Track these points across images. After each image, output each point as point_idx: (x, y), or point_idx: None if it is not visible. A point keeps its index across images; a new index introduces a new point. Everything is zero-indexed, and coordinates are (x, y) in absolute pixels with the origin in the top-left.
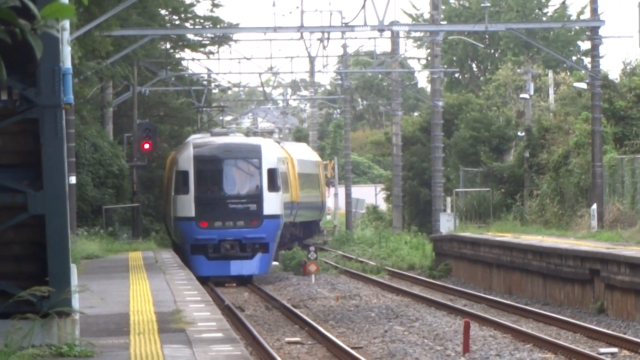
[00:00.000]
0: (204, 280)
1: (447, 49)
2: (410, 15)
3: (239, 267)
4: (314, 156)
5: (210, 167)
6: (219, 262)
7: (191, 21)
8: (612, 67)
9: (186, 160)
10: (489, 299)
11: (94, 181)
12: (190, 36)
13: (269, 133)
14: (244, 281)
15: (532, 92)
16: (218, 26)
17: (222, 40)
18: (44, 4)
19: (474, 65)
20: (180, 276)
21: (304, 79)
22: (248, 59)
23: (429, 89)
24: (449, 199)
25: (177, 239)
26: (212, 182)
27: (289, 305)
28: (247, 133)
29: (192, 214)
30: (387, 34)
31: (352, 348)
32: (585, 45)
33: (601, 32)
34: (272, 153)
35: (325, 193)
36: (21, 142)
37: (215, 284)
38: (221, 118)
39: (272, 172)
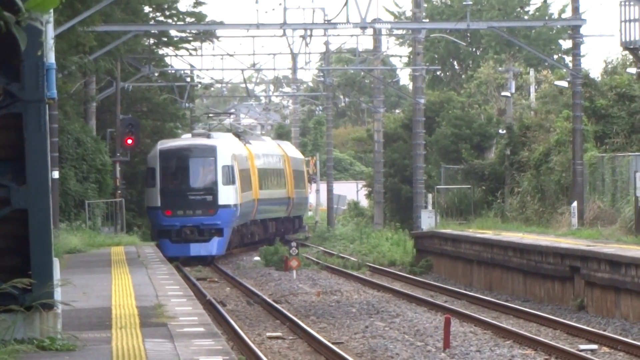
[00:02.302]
0: (170, 260)
1: (429, 46)
2: (392, 13)
3: (197, 249)
4: (276, 150)
5: (173, 164)
6: (181, 245)
7: (174, 18)
8: (593, 65)
9: (153, 158)
10: (470, 296)
11: (77, 176)
12: (174, 33)
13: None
14: (204, 261)
15: (513, 90)
16: (201, 23)
17: (205, 36)
18: None
19: (455, 63)
20: (162, 271)
21: (286, 75)
22: (231, 55)
23: (410, 87)
24: (430, 196)
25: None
26: (174, 177)
27: (270, 301)
28: (238, 133)
29: (158, 203)
30: (370, 31)
31: (333, 343)
32: (566, 43)
33: (582, 30)
34: (227, 152)
35: (292, 189)
36: (4, 136)
37: (197, 278)
38: (205, 115)
39: (226, 169)
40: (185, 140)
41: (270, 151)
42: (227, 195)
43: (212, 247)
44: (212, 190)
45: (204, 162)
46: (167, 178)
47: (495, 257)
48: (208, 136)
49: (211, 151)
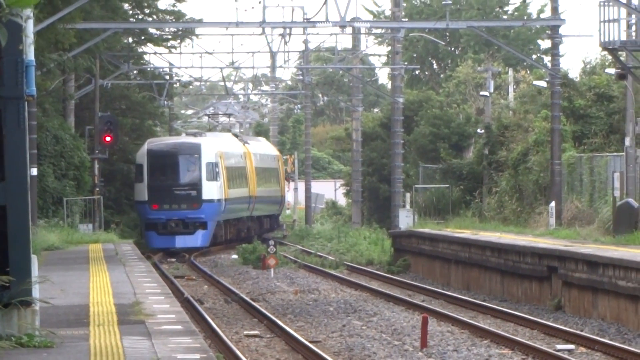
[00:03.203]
0: (155, 251)
1: (407, 46)
2: (371, 12)
3: (182, 241)
4: (271, 151)
5: (160, 161)
6: (167, 237)
7: (154, 16)
8: (572, 65)
9: (141, 156)
10: (447, 295)
11: (55, 173)
12: (153, 30)
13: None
14: (188, 252)
15: (492, 90)
16: (180, 21)
17: (184, 34)
18: None
19: (434, 63)
20: (140, 268)
21: (265, 74)
22: (210, 53)
23: (389, 86)
24: (408, 195)
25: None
26: (161, 173)
27: (248, 299)
28: (236, 134)
29: (146, 198)
30: (349, 30)
31: (311, 342)
32: (545, 43)
33: (561, 30)
34: (212, 150)
35: (254, 187)
36: None
37: (174, 276)
38: (182, 111)
39: (210, 165)
40: (172, 138)
41: (265, 151)
42: (211, 190)
43: (197, 239)
44: (196, 185)
45: (189, 159)
46: (154, 174)
47: (472, 256)
48: (195, 135)
49: (196, 149)
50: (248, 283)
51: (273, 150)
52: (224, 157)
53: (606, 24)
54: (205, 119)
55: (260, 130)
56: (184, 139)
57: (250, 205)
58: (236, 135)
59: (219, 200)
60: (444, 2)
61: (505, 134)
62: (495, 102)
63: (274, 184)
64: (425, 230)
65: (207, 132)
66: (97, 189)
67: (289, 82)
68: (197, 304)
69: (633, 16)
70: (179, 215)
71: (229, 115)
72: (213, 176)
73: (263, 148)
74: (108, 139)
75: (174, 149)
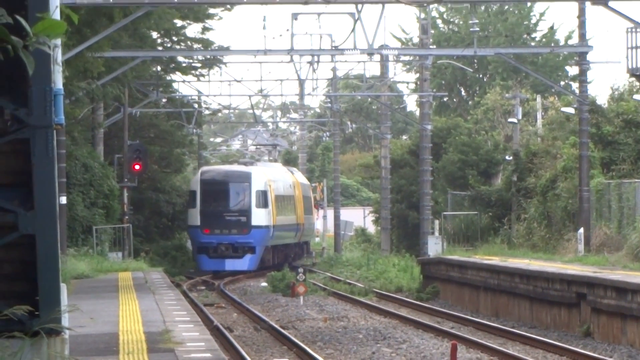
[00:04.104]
0: (206, 272)
1: (436, 73)
2: (399, 39)
3: (232, 264)
4: (304, 180)
5: (213, 188)
6: (217, 260)
7: (182, 44)
8: (600, 92)
9: (195, 182)
10: (476, 322)
11: (85, 201)
12: (181, 58)
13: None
14: (237, 274)
15: (520, 117)
16: (209, 49)
17: (212, 62)
18: (35, 21)
19: (462, 90)
20: (169, 296)
21: (293, 101)
22: (238, 81)
23: (417, 113)
24: (437, 222)
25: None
26: (213, 199)
27: (277, 326)
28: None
29: (198, 222)
30: (377, 57)
31: None
32: (573, 70)
33: (589, 57)
34: (261, 178)
35: (302, 214)
36: (12, 161)
37: (204, 304)
38: (211, 139)
39: (259, 193)
40: (225, 167)
41: (303, 180)
42: (260, 217)
43: (245, 263)
44: (246, 212)
45: (240, 187)
46: (207, 200)
47: (501, 283)
48: (246, 164)
49: (246, 177)
50: (277, 310)
51: (304, 180)
52: (273, 185)
53: (633, 50)
54: (234, 147)
55: (289, 158)
56: (235, 167)
57: (297, 232)
58: (286, 165)
59: (267, 226)
60: (471, 30)
61: (533, 161)
62: (524, 129)
63: (308, 212)
64: (454, 257)
65: (258, 161)
66: (127, 217)
67: (318, 110)
68: (226, 332)
69: None
70: (229, 239)
71: (275, 146)
72: (262, 203)
73: (302, 178)
74: (137, 167)
75: (226, 177)
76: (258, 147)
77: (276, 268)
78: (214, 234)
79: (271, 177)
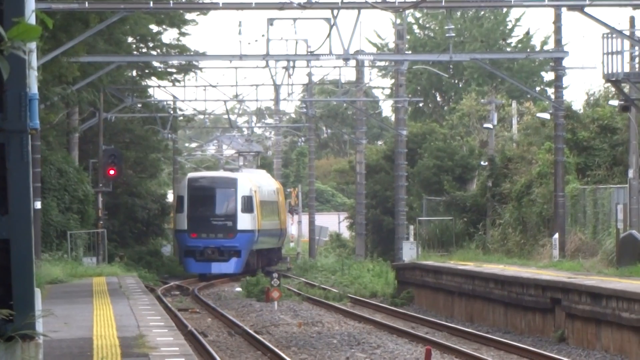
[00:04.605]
0: (194, 276)
1: (411, 78)
2: (375, 45)
3: (218, 267)
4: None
5: (200, 193)
6: (204, 263)
7: (158, 49)
8: (575, 97)
9: (182, 188)
10: (451, 327)
11: (59, 206)
12: (157, 64)
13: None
14: (224, 276)
15: (495, 122)
16: (184, 54)
17: (188, 68)
18: (10, 26)
19: (438, 95)
20: (143, 301)
21: (269, 106)
22: (214, 86)
23: (393, 118)
24: (411, 227)
25: (176, 246)
26: (200, 204)
27: (251, 331)
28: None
29: (185, 227)
30: (352, 62)
31: None
32: (548, 75)
33: (565, 63)
34: (247, 184)
35: (285, 219)
36: None
37: (178, 309)
38: (186, 144)
39: (245, 198)
40: (211, 173)
41: (277, 187)
42: (245, 221)
43: (230, 266)
44: (232, 216)
45: (226, 193)
46: (194, 205)
47: (476, 288)
48: (232, 170)
49: (232, 183)
50: (252, 316)
51: (276, 185)
52: (257, 191)
53: (609, 56)
54: (209, 152)
55: (264, 163)
56: (221, 173)
57: (280, 237)
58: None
59: (252, 230)
60: (447, 35)
61: (508, 166)
62: (499, 135)
63: (282, 217)
64: (428, 263)
65: (244, 168)
66: (101, 222)
67: (293, 115)
68: (200, 337)
69: (636, 48)
70: (216, 243)
71: (258, 153)
72: (248, 208)
73: (273, 184)
74: (112, 172)
75: (213, 183)
76: (242, 154)
77: (262, 271)
78: (200, 238)
79: (256, 183)
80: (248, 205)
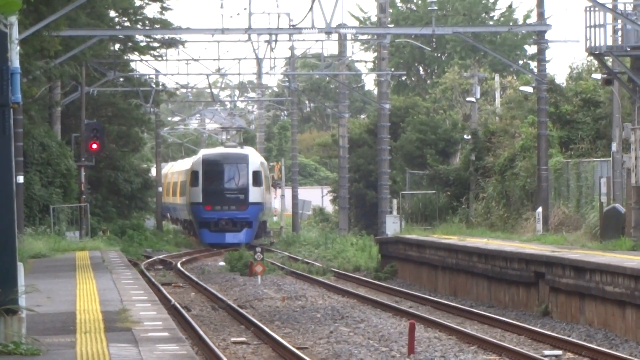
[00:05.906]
0: (208, 247)
1: (394, 52)
2: (357, 18)
3: (231, 237)
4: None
5: (213, 168)
6: (218, 234)
7: (140, 23)
8: (558, 71)
9: (197, 163)
10: (434, 301)
11: (42, 180)
12: (139, 38)
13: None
14: (235, 246)
15: (478, 96)
16: (167, 28)
17: (170, 42)
18: None
19: (420, 69)
20: (127, 276)
21: (251, 80)
22: (196, 60)
23: (375, 92)
24: (395, 201)
25: (191, 218)
26: (214, 178)
27: (235, 306)
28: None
29: (200, 200)
30: (335, 36)
31: (298, 348)
32: (531, 49)
33: (547, 36)
34: (257, 160)
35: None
36: None
37: (161, 283)
38: (169, 119)
39: (255, 173)
40: (223, 149)
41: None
42: (256, 194)
43: (242, 236)
44: (244, 190)
45: (238, 167)
46: (208, 179)
47: (460, 262)
48: (241, 146)
49: (244, 159)
50: (235, 290)
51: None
52: (263, 166)
53: (592, 29)
54: (192, 126)
55: (246, 137)
56: (233, 150)
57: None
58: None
59: (261, 202)
60: (429, 8)
61: (491, 140)
62: (482, 108)
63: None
64: (412, 237)
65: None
66: (84, 196)
67: (275, 89)
68: (184, 311)
69: (619, 21)
70: (229, 215)
71: (241, 129)
72: (258, 182)
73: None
74: (94, 146)
75: (226, 158)
76: (225, 129)
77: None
78: (214, 210)
79: (262, 159)
80: (258, 180)
